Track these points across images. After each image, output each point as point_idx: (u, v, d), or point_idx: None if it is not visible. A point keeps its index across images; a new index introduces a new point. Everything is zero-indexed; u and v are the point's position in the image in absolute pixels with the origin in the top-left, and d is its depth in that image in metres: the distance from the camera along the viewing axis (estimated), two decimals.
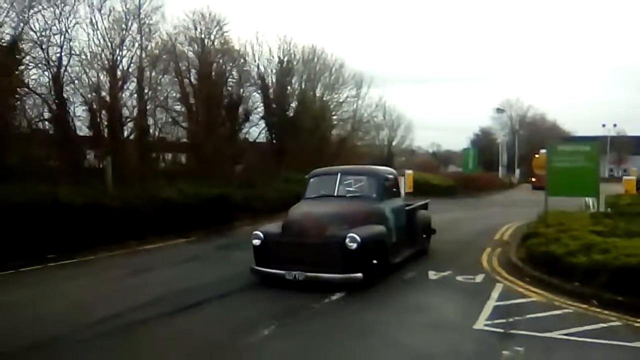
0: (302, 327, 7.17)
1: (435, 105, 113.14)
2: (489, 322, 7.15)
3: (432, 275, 10.20)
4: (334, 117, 37.64)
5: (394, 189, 11.65)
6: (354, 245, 8.76)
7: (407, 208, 11.77)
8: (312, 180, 11.39)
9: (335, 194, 10.54)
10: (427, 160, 63.94)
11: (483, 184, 39.08)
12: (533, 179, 42.59)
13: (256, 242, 9.46)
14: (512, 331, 6.79)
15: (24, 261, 10.85)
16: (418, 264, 11.15)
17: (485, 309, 7.79)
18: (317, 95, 34.92)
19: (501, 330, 6.83)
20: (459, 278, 9.94)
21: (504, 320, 7.20)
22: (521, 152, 57.40)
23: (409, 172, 32.92)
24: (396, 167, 39.91)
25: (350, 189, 10.69)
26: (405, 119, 51.24)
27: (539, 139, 53.08)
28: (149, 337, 6.77)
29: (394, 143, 50.46)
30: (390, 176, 11.59)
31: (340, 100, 37.59)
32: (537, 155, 43.54)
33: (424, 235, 12.48)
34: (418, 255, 11.65)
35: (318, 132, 32.60)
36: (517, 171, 56.60)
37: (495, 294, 8.71)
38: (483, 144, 65.30)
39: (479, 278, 9.98)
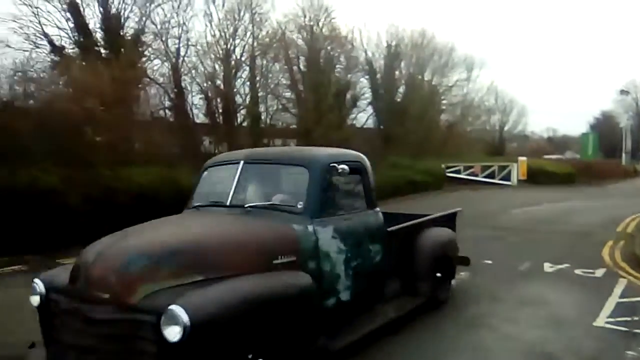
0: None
1: (552, 88, 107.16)
2: (611, 320, 6.72)
3: (548, 267, 9.73)
4: (443, 102, 36.94)
5: (356, 192, 6.28)
6: (174, 334, 3.77)
7: (392, 229, 6.54)
8: (205, 174, 6.30)
9: (228, 203, 5.54)
10: (542, 146, 60.92)
11: (604, 172, 36.63)
12: None
13: (35, 299, 4.64)
14: (638, 330, 6.34)
15: None
16: (531, 254, 10.68)
17: (607, 305, 7.32)
18: (426, 79, 34.36)
19: (625, 329, 6.39)
20: (578, 271, 9.41)
21: (628, 319, 6.73)
22: None
23: (523, 158, 31.67)
24: (507, 154, 38.59)
25: (256, 192, 5.66)
26: (518, 102, 49.22)
27: None
28: None
29: (505, 128, 48.64)
30: (343, 167, 5.49)
31: (450, 84, 36.83)
32: None
33: (439, 275, 7.13)
34: (424, 309, 6.88)
35: (426, 118, 32.11)
36: None
37: (618, 289, 8.16)
38: (604, 128, 61.12)
39: (600, 272, 9.39)
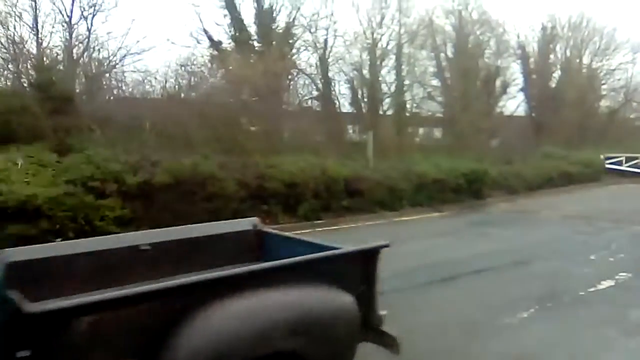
0: (565, 314, 6.76)
1: None
2: None
3: None
4: (603, 87, 34.05)
5: None
6: None
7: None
8: None
9: None
10: None
11: None
12: None
13: None
14: None
15: (295, 224, 12.24)
16: None
17: None
18: (584, 63, 31.93)
19: None
20: None
21: None
22: None
23: None
24: None
25: None
26: None
27: None
28: (405, 305, 7.08)
29: None
30: None
31: (612, 67, 33.78)
32: None
33: None
34: None
35: (584, 104, 29.91)
36: None
37: None
38: None
39: None
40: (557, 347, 5.69)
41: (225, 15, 19.04)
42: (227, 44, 19.37)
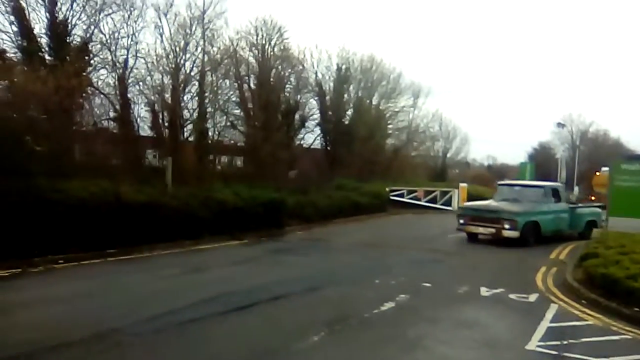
0: (351, 336, 7.19)
1: (493, 119, 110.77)
2: (541, 344, 6.98)
3: (485, 291, 10.02)
4: (390, 127, 37.60)
5: None
6: None
7: None
8: None
9: None
10: (481, 173, 62.73)
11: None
12: (593, 197, 41.21)
13: None
14: (566, 354, 6.60)
15: (85, 254, 11.37)
16: (469, 279, 10.99)
17: (539, 329, 7.61)
18: (374, 103, 34.99)
19: (555, 353, 6.65)
20: (512, 296, 9.73)
21: (557, 343, 7.01)
22: (581, 169, 55.50)
23: (464, 185, 32.54)
24: (449, 180, 39.63)
25: None
26: (462, 131, 50.71)
27: (600, 156, 51.42)
28: (202, 335, 6.94)
29: (448, 155, 49.90)
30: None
31: (397, 109, 37.57)
32: (598, 173, 42.04)
33: None
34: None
35: (372, 141, 32.62)
36: (576, 188, 54.77)
37: (549, 314, 8.50)
38: (541, 159, 63.52)
39: (533, 297, 9.74)
40: None
41: (11, 23, 17.26)
42: (13, 54, 17.54)
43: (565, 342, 7.05)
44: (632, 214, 13.15)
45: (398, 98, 37.12)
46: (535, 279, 11.49)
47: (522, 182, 20.41)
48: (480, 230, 16.49)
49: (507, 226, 15.63)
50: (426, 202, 29.90)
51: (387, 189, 28.43)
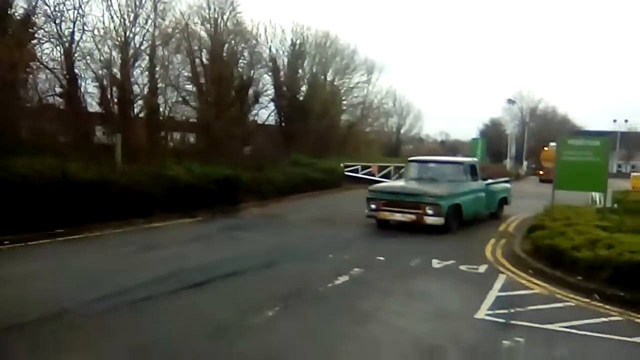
0: (306, 309, 7.25)
1: (447, 95, 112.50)
2: (490, 312, 7.20)
3: (436, 263, 10.24)
4: (344, 103, 37.76)
5: None
6: None
7: None
8: None
9: None
10: (434, 149, 63.79)
11: (490, 175, 38.92)
12: (540, 172, 42.58)
13: None
14: (513, 322, 6.84)
15: (33, 234, 11.03)
16: (422, 251, 11.20)
17: (488, 299, 7.84)
18: (328, 79, 34.99)
19: (502, 321, 6.88)
20: (462, 267, 9.98)
21: (505, 311, 7.24)
22: (530, 145, 57.19)
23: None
24: (403, 155, 40.19)
25: None
26: (415, 107, 51.69)
27: (548, 132, 53.05)
28: (155, 313, 6.86)
29: (402, 131, 50.64)
30: None
31: (351, 85, 37.76)
32: (546, 148, 43.51)
33: None
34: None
35: (327, 117, 32.68)
36: (525, 163, 56.46)
37: (498, 284, 8.76)
38: (492, 134, 65.10)
39: (482, 268, 10.02)
40: (299, 341, 6.06)
41: None
42: None
43: (512, 311, 7.29)
44: (576, 187, 13.61)
45: (352, 74, 37.31)
46: (485, 250, 11.80)
47: (436, 159, 17.77)
48: (397, 217, 13.99)
49: (430, 212, 13.49)
50: (380, 177, 30.21)
51: (341, 165, 28.58)
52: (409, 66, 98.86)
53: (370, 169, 30.29)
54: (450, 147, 75.03)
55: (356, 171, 29.60)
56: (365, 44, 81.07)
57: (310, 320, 6.80)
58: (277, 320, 6.68)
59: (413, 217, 13.71)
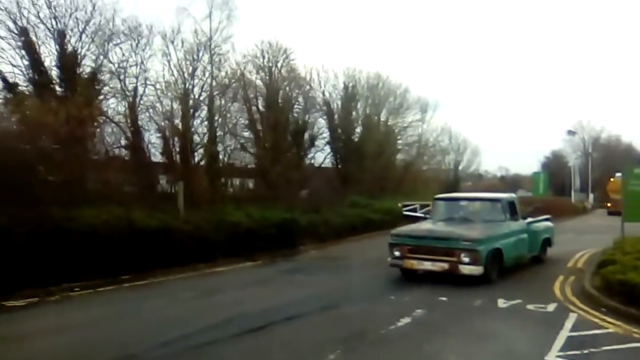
0: (368, 352, 7.13)
1: (504, 129, 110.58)
2: (561, 354, 6.88)
3: (502, 303, 9.91)
4: (399, 142, 37.70)
5: None
6: None
7: None
8: None
9: None
10: (494, 184, 62.44)
11: (555, 209, 37.61)
12: (608, 204, 40.81)
13: None
14: None
15: (100, 281, 11.43)
16: (486, 290, 10.88)
17: (558, 339, 7.50)
18: (382, 120, 35.12)
19: None
20: (530, 306, 9.61)
21: (578, 352, 6.91)
22: (595, 176, 55.16)
23: None
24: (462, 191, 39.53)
25: None
26: (472, 143, 50.81)
27: (613, 162, 50.96)
28: (217, 358, 6.92)
29: (460, 167, 49.89)
30: None
31: (405, 124, 37.71)
32: (612, 179, 41.68)
33: None
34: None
35: (383, 157, 32.67)
36: (591, 196, 54.37)
37: (568, 324, 8.38)
38: (554, 167, 63.29)
39: (551, 307, 9.62)
40: None
41: (22, 57, 17.58)
42: (25, 87, 17.84)
43: (585, 352, 6.94)
44: None
45: (406, 113, 37.32)
46: (553, 288, 11.36)
47: (469, 195, 15.96)
48: (426, 265, 11.92)
49: (465, 259, 11.40)
50: None
51: (399, 204, 28.33)
52: (463, 102, 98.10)
53: (429, 208, 29.83)
54: (510, 181, 73.25)
55: (414, 210, 29.23)
56: (417, 83, 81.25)
57: None
58: None
59: (445, 265, 11.63)
